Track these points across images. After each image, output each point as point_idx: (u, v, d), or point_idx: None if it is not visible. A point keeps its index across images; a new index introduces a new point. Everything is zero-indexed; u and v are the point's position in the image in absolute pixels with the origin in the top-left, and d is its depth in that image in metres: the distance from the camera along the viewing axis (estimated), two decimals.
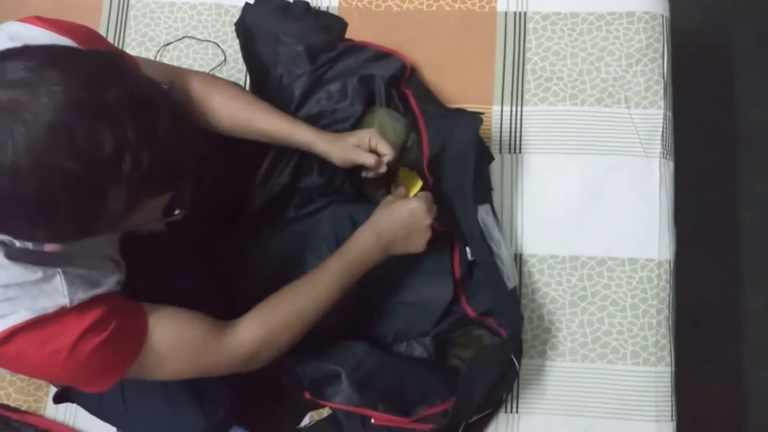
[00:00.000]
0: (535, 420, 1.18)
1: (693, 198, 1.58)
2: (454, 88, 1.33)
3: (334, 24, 1.31)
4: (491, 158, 1.26)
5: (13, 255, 0.75)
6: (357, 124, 1.21)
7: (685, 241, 1.28)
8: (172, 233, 1.14)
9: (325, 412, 1.20)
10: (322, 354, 1.13)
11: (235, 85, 1.16)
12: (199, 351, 0.91)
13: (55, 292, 0.77)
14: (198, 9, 1.43)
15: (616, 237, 1.23)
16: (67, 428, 1.23)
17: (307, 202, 1.23)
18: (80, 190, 0.65)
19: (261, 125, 1.09)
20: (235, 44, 1.36)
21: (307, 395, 1.14)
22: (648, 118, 1.27)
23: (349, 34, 1.31)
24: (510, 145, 1.29)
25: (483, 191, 1.22)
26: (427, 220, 1.04)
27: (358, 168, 1.13)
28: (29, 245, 0.76)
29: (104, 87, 0.65)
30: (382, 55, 1.28)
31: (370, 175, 1.13)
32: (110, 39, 1.42)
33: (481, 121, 1.17)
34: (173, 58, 1.41)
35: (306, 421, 1.21)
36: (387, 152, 1.09)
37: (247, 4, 1.30)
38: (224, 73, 1.38)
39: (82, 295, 0.79)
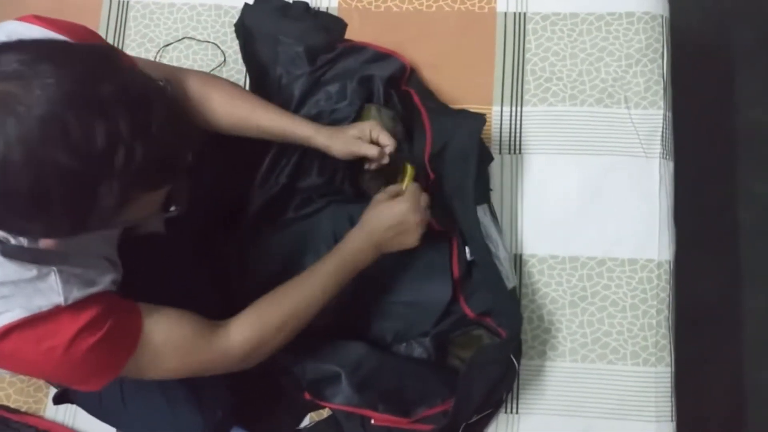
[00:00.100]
0: (535, 420, 1.18)
1: (693, 198, 1.57)
2: (454, 88, 1.33)
3: (333, 25, 1.31)
4: (491, 158, 1.26)
5: (8, 252, 0.75)
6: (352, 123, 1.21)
7: (685, 241, 1.28)
8: (171, 233, 1.15)
9: (324, 412, 1.20)
10: (321, 354, 1.13)
11: (233, 83, 1.16)
12: (192, 350, 0.92)
13: (50, 291, 0.77)
14: (198, 10, 1.43)
15: (616, 237, 1.23)
16: (67, 429, 1.23)
17: (307, 202, 1.23)
18: (73, 183, 0.64)
19: (260, 122, 1.09)
20: (235, 45, 1.36)
21: (307, 396, 1.14)
22: (648, 119, 1.27)
23: (349, 34, 1.31)
24: (510, 145, 1.29)
25: (481, 192, 1.22)
26: (416, 218, 1.04)
27: (358, 161, 1.13)
28: (24, 242, 0.76)
29: (98, 80, 0.65)
30: (382, 56, 1.28)
31: (373, 166, 1.12)
32: (110, 40, 1.42)
33: (484, 121, 1.17)
34: (173, 59, 1.41)
35: (306, 421, 1.21)
36: (388, 143, 1.08)
37: (246, 4, 1.30)
38: (224, 74, 1.38)
39: (77, 293, 0.79)
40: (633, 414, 1.16)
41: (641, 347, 1.18)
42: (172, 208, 0.79)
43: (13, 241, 0.75)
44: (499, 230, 1.21)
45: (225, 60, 1.39)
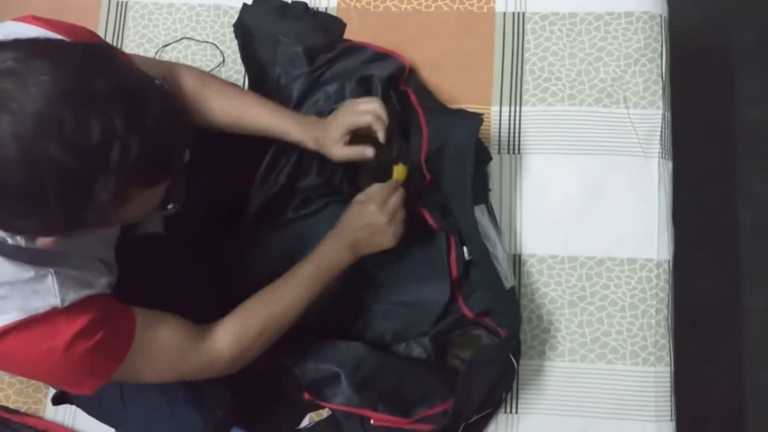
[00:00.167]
0: (534, 420, 1.18)
1: (692, 198, 1.57)
2: (453, 88, 1.32)
3: (332, 25, 1.31)
4: (489, 158, 1.26)
5: (5, 252, 0.75)
6: None
7: (685, 241, 1.28)
8: (171, 233, 1.15)
9: (324, 413, 1.20)
10: (321, 354, 1.13)
11: (229, 82, 1.15)
12: (181, 356, 0.93)
13: (47, 293, 0.77)
14: (197, 10, 1.43)
15: (615, 237, 1.23)
16: (66, 429, 1.23)
17: (306, 202, 1.23)
18: (68, 179, 0.64)
19: (252, 121, 1.09)
20: (234, 45, 1.36)
21: (307, 396, 1.14)
22: (647, 118, 1.27)
23: (348, 34, 1.31)
24: (509, 145, 1.29)
25: (480, 192, 1.22)
26: (383, 219, 1.03)
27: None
28: (22, 243, 0.76)
29: (93, 77, 0.65)
30: (381, 56, 1.28)
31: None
32: (108, 40, 1.42)
33: (481, 121, 1.17)
34: (172, 59, 1.40)
35: (306, 422, 1.21)
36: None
37: (245, 4, 1.30)
38: (223, 74, 1.38)
39: (74, 295, 0.79)
40: (633, 414, 1.16)
41: (641, 347, 1.18)
42: (170, 206, 0.79)
43: (10, 241, 0.75)
44: (498, 230, 1.21)
45: (224, 60, 1.39)
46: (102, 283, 0.85)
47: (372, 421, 1.11)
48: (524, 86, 1.31)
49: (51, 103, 0.62)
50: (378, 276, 1.19)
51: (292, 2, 1.32)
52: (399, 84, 1.27)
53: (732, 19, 1.92)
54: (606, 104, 1.28)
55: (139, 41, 1.42)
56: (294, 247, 1.21)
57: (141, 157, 0.66)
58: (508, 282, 1.15)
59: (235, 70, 1.38)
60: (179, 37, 1.42)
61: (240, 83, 1.37)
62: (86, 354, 0.80)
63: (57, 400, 1.18)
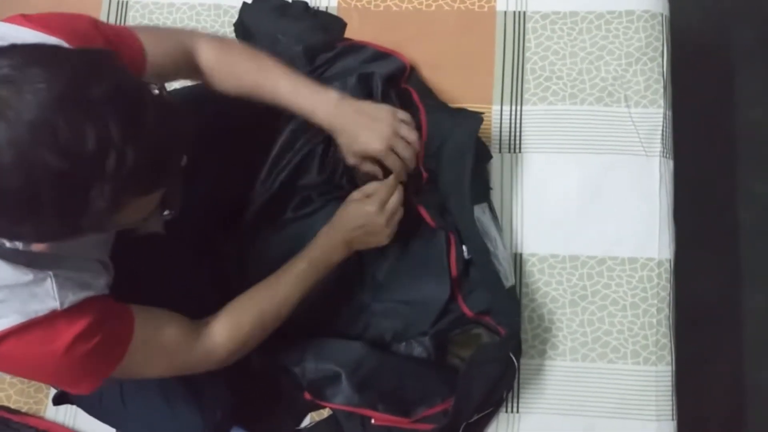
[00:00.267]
0: (535, 419, 1.18)
1: (693, 197, 1.57)
2: (454, 87, 1.32)
3: (332, 24, 1.31)
4: (489, 157, 1.26)
5: (4, 255, 0.75)
6: None
7: (685, 240, 1.28)
8: (171, 233, 1.14)
9: (325, 412, 1.20)
10: (321, 354, 1.13)
11: (248, 47, 1.11)
12: (179, 352, 0.94)
13: (46, 296, 0.77)
14: (197, 9, 1.43)
15: (616, 236, 1.23)
16: (67, 429, 1.22)
17: (306, 202, 1.23)
18: (63, 186, 0.63)
19: (267, 93, 1.06)
20: None
21: (307, 396, 1.14)
22: (648, 117, 1.27)
23: (348, 33, 1.31)
24: (510, 144, 1.29)
25: (481, 191, 1.22)
26: (381, 220, 1.04)
27: None
28: (19, 246, 0.75)
29: (89, 84, 0.64)
30: (381, 55, 1.28)
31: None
32: None
33: (481, 120, 1.17)
34: None
35: (306, 421, 1.21)
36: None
37: (244, 3, 1.30)
38: None
39: (73, 297, 0.79)
40: (634, 413, 1.16)
41: (642, 346, 1.18)
42: (166, 212, 0.79)
43: (8, 244, 0.75)
44: (499, 229, 1.21)
45: None
46: (100, 283, 0.85)
47: (372, 421, 1.11)
48: (525, 85, 1.31)
49: (47, 111, 0.62)
50: (378, 275, 1.19)
51: (293, 1, 1.32)
52: (399, 83, 1.27)
53: (732, 19, 1.92)
54: (607, 103, 1.28)
55: None
56: (293, 247, 1.20)
57: (137, 165, 0.66)
58: (508, 281, 1.15)
59: None
60: None
61: None
62: (85, 356, 0.80)
63: (58, 400, 1.18)
